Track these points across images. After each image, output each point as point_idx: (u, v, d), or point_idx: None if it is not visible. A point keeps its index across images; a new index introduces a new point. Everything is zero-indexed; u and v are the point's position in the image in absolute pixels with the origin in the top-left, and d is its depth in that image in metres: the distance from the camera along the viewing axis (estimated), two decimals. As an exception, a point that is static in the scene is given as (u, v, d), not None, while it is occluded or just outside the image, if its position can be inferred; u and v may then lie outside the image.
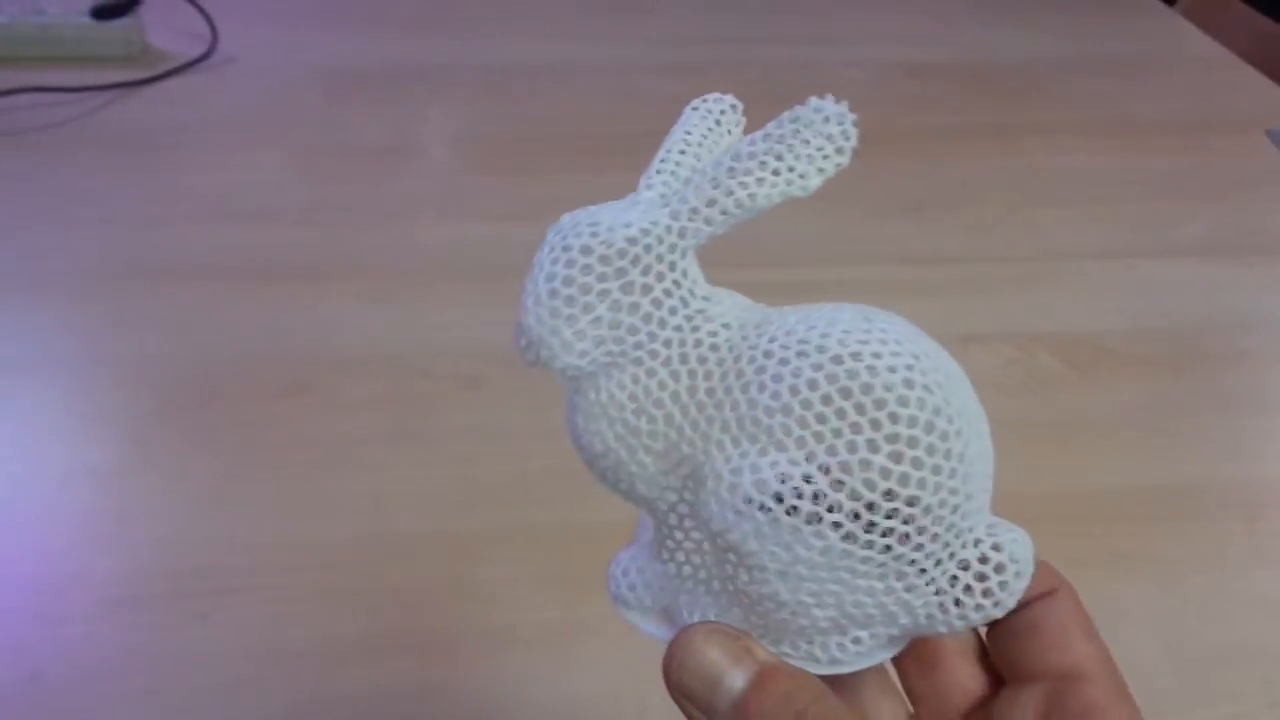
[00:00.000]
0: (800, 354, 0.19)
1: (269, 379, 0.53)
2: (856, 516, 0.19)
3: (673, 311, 0.20)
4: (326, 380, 0.53)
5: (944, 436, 0.19)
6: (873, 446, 0.18)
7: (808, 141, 0.19)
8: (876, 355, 0.19)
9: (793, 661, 0.21)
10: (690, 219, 0.20)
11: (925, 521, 0.19)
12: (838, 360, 0.19)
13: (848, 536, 0.19)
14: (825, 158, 0.20)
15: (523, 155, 0.75)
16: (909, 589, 0.20)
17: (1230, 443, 0.53)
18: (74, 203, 0.66)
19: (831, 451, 0.18)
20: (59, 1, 0.83)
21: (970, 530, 0.20)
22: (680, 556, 0.21)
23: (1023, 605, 0.21)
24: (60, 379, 0.52)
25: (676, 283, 0.20)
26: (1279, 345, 0.61)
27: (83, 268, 0.60)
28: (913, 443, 0.18)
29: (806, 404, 0.19)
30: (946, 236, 0.69)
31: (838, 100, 0.20)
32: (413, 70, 0.85)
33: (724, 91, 0.24)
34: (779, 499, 0.19)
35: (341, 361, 0.54)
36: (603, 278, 0.20)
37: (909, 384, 0.19)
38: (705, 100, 0.23)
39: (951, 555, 0.20)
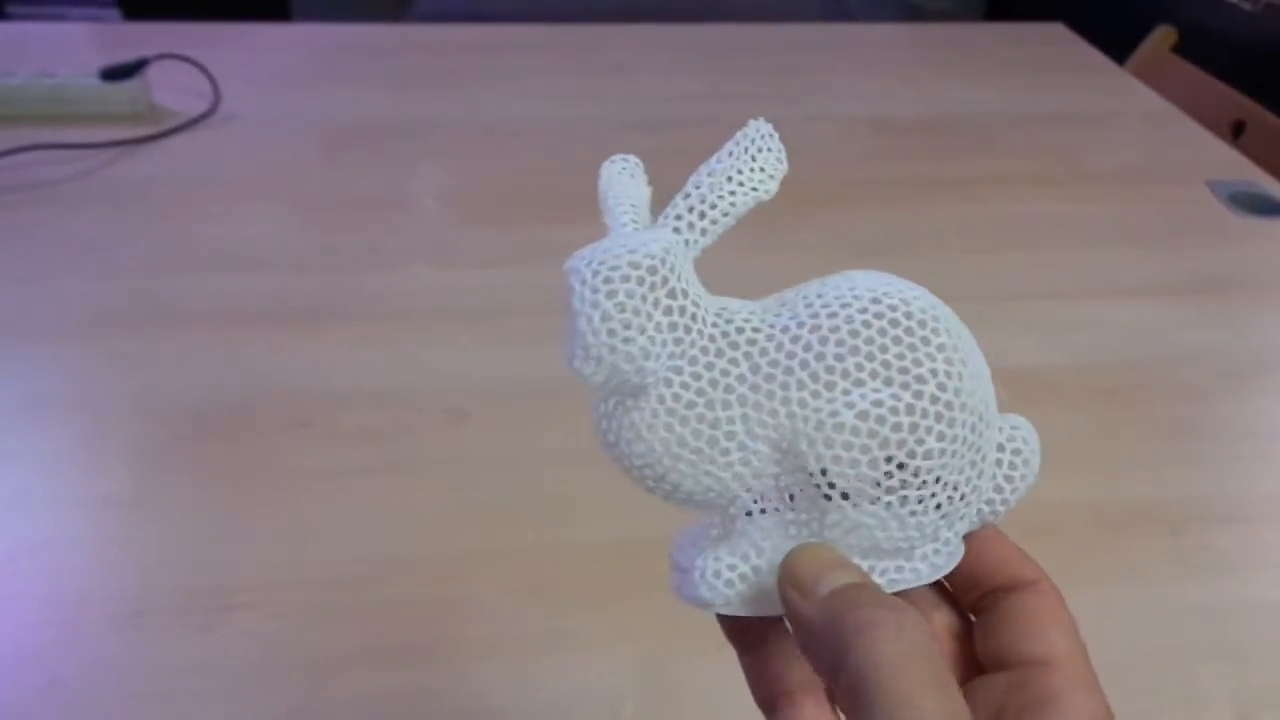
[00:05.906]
0: (844, 305, 0.23)
1: (271, 414, 0.56)
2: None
3: (703, 314, 0.23)
4: (324, 415, 0.57)
5: (965, 346, 0.24)
6: (929, 358, 0.23)
7: (761, 152, 0.24)
8: (901, 294, 0.23)
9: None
10: (689, 232, 0.24)
11: (975, 416, 0.23)
12: (876, 302, 0.23)
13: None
14: (778, 164, 0.24)
15: (506, 206, 0.79)
16: (969, 486, 0.23)
17: (1159, 466, 0.58)
18: (86, 251, 0.70)
19: (902, 372, 0.22)
20: (69, 64, 0.88)
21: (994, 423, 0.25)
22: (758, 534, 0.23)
23: (1004, 592, 0.23)
24: (77, 415, 0.56)
25: (695, 288, 0.23)
26: (1210, 378, 0.65)
27: (96, 312, 0.64)
28: (954, 351, 0.23)
29: (869, 340, 0.23)
30: (905, 278, 0.73)
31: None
32: (404, 126, 0.90)
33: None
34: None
35: (338, 398, 0.58)
36: (653, 287, 0.22)
37: (935, 307, 0.23)
38: (616, 160, 0.26)
39: (990, 446, 0.24)
